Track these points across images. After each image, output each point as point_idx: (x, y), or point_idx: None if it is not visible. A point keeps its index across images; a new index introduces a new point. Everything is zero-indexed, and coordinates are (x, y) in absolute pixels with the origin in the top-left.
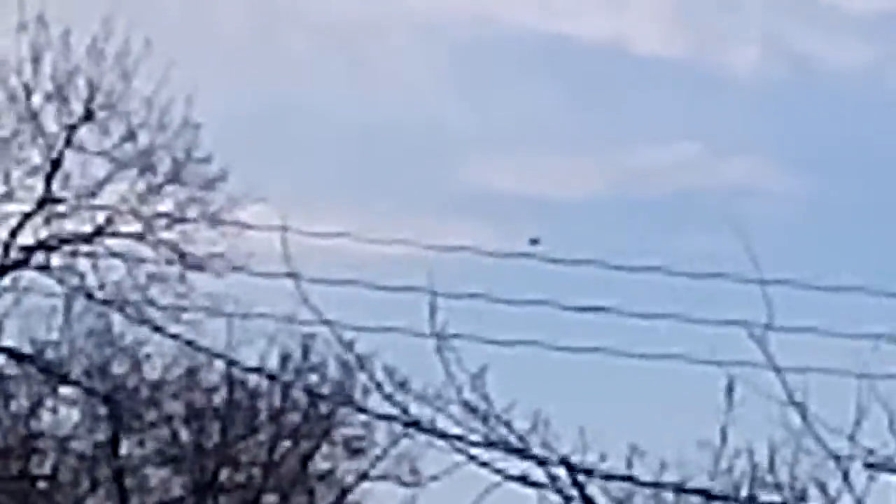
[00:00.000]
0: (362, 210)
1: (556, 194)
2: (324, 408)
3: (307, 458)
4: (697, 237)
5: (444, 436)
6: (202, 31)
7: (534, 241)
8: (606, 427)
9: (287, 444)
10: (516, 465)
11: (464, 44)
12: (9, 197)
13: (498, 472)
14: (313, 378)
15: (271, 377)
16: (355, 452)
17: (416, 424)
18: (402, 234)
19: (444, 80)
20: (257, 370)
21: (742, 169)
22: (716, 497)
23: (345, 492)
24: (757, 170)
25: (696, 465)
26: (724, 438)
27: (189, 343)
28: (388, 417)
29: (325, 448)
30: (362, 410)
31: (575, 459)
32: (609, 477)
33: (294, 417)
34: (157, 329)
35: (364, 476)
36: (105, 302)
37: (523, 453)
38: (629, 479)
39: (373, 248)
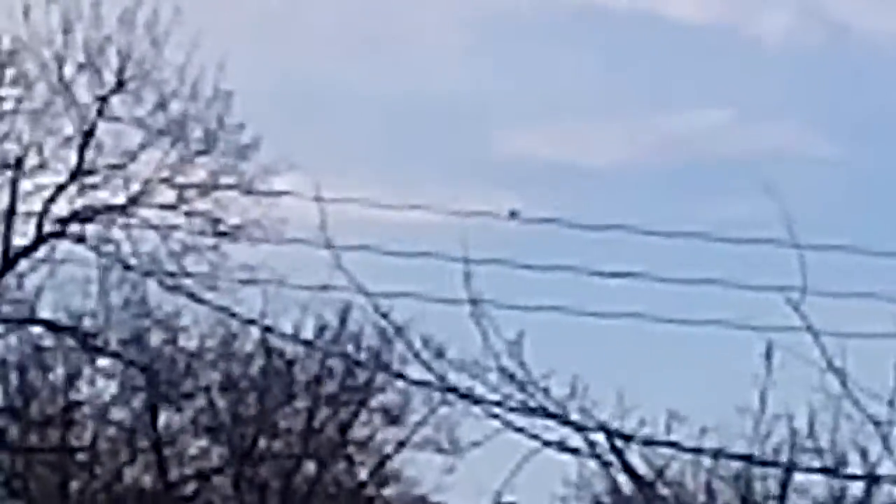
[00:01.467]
0: (395, 179)
1: (589, 161)
2: (361, 376)
3: (345, 426)
4: (731, 203)
5: (481, 402)
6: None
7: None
8: (645, 394)
9: (325, 412)
10: (555, 432)
11: (495, 12)
12: (42, 168)
13: (536, 438)
14: (350, 347)
15: (307, 343)
16: (393, 420)
17: (454, 391)
18: (434, 203)
19: (475, 49)
20: (293, 337)
21: (776, 135)
22: (756, 462)
23: (384, 460)
24: (791, 136)
25: (736, 430)
26: (763, 404)
27: (224, 310)
28: (426, 384)
29: (363, 416)
30: (401, 377)
31: (614, 426)
32: (648, 442)
33: (331, 386)
34: (193, 297)
35: (403, 444)
36: (142, 272)
37: (561, 419)
38: (669, 444)
39: (406, 216)
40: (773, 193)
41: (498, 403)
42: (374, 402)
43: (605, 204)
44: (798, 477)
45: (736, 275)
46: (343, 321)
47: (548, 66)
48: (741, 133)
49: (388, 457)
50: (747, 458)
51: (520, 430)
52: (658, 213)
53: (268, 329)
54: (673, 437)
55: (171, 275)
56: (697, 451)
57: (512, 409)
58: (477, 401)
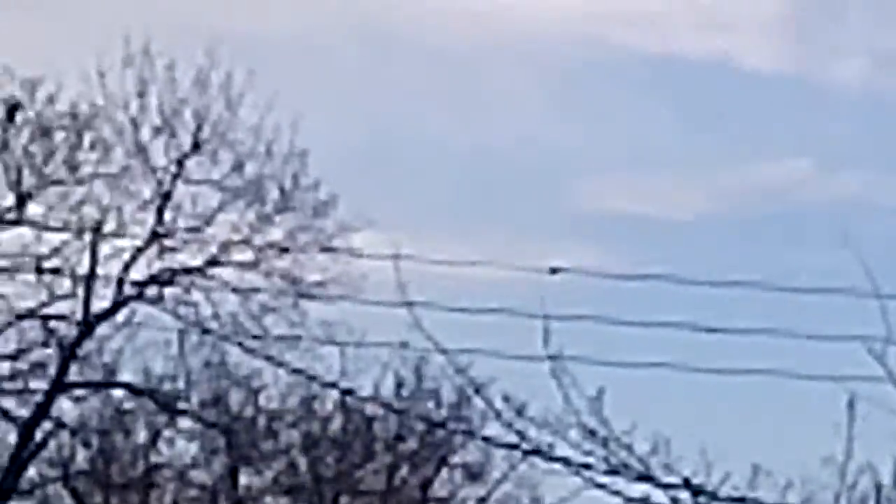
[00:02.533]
0: (474, 236)
1: (667, 214)
2: (441, 433)
3: (426, 484)
4: (810, 254)
5: (564, 462)
6: (307, 58)
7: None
8: (728, 447)
9: (405, 470)
10: (638, 489)
11: (573, 66)
12: (121, 231)
13: (619, 495)
14: (429, 404)
15: (386, 405)
16: (474, 478)
17: (537, 452)
18: (516, 259)
19: (554, 102)
20: (372, 399)
21: (854, 184)
22: None
23: None
24: (869, 185)
25: (820, 482)
26: (847, 455)
27: (303, 372)
28: (509, 446)
29: (443, 473)
30: (484, 439)
31: (697, 481)
32: (732, 499)
33: (411, 444)
34: (272, 360)
35: (483, 501)
36: (221, 336)
37: (644, 476)
38: (753, 501)
39: (484, 272)
40: (851, 243)
41: (583, 465)
42: (454, 459)
43: (684, 257)
44: None
45: (819, 326)
46: (420, 377)
47: (626, 120)
48: (819, 182)
49: None
50: None
51: (602, 486)
52: (735, 265)
53: (347, 392)
54: (757, 492)
55: (253, 337)
56: None
57: (593, 468)
58: (560, 461)
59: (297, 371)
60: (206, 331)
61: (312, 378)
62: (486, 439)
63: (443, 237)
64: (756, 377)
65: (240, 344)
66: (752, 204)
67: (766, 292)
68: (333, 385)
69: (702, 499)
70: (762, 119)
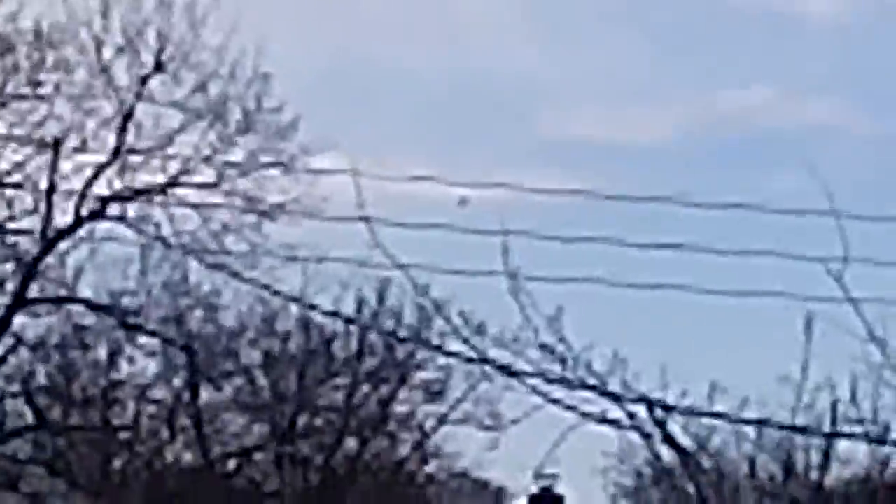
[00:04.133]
0: (438, 160)
1: (635, 140)
2: (401, 352)
3: (386, 402)
4: (776, 178)
5: (522, 375)
6: None
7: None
8: (687, 366)
9: (365, 388)
10: (595, 405)
11: None
12: (83, 149)
13: (576, 411)
14: (389, 323)
15: (349, 320)
16: (434, 396)
17: (493, 364)
18: (478, 181)
19: (524, 30)
20: (334, 314)
21: (821, 111)
22: (798, 430)
23: (424, 436)
24: (836, 111)
25: (778, 401)
26: (804, 374)
27: (266, 287)
28: (469, 359)
29: (403, 392)
30: (444, 352)
31: (655, 397)
32: (690, 412)
33: (371, 362)
34: (234, 274)
35: (443, 420)
36: (183, 249)
37: (602, 391)
38: (711, 414)
39: (445, 192)
40: (814, 169)
41: (538, 375)
42: (414, 379)
43: (652, 181)
44: (840, 446)
45: (778, 246)
46: (382, 297)
47: (596, 48)
48: (786, 109)
49: (429, 433)
50: (789, 427)
51: (560, 402)
52: (704, 188)
53: (311, 307)
54: (715, 408)
55: (212, 253)
56: (739, 420)
57: (551, 381)
58: (517, 374)
59: (259, 284)
60: (168, 245)
61: (276, 293)
62: (449, 353)
63: (406, 161)
64: (716, 297)
65: (201, 259)
66: (719, 130)
67: (727, 211)
68: (296, 300)
69: (659, 413)
70: (732, 47)
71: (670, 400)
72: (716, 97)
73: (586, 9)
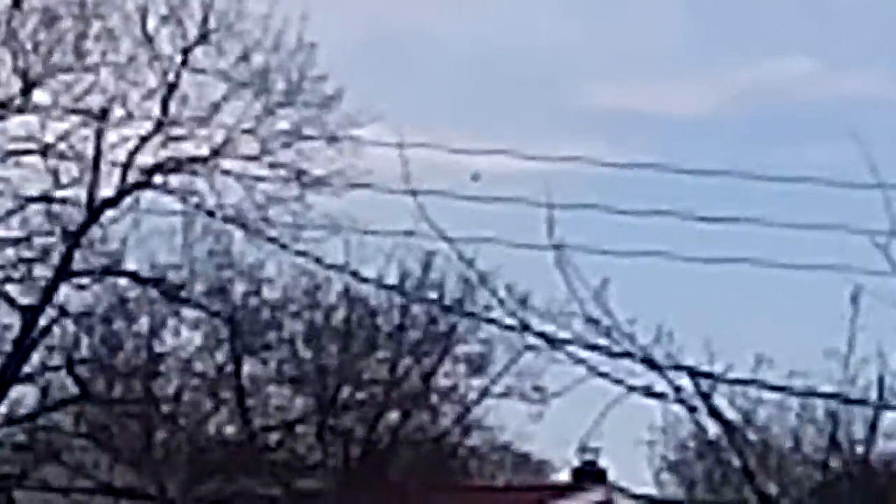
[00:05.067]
0: (480, 129)
1: (672, 111)
2: (444, 325)
3: (429, 375)
4: (816, 150)
5: (566, 345)
6: None
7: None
8: (732, 339)
9: (407, 361)
10: (640, 378)
11: None
12: (127, 120)
13: (621, 383)
14: (433, 294)
15: (392, 288)
16: (477, 369)
17: (539, 335)
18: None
19: (559, 2)
20: (378, 283)
21: (861, 82)
22: (845, 401)
23: (467, 408)
24: (877, 83)
25: (824, 374)
26: (851, 347)
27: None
28: (513, 328)
29: (446, 365)
30: (489, 321)
31: (700, 369)
32: (735, 381)
33: (414, 335)
34: (282, 245)
35: (485, 392)
36: (226, 220)
37: (647, 363)
38: (755, 382)
39: (490, 162)
40: (858, 139)
41: (584, 346)
42: (457, 351)
43: (691, 153)
44: (886, 419)
45: (823, 219)
46: (426, 269)
47: (631, 20)
48: (825, 80)
49: (471, 405)
50: (837, 397)
51: (605, 375)
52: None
53: (354, 274)
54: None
55: (255, 225)
56: (784, 389)
57: (596, 349)
58: (561, 343)
59: (302, 254)
60: (212, 214)
61: (318, 261)
62: (492, 321)
63: (448, 132)
64: (760, 269)
65: (245, 228)
66: (757, 101)
67: (770, 183)
68: (340, 268)
69: (704, 385)
70: (769, 18)
71: (716, 372)
72: (756, 69)
73: None
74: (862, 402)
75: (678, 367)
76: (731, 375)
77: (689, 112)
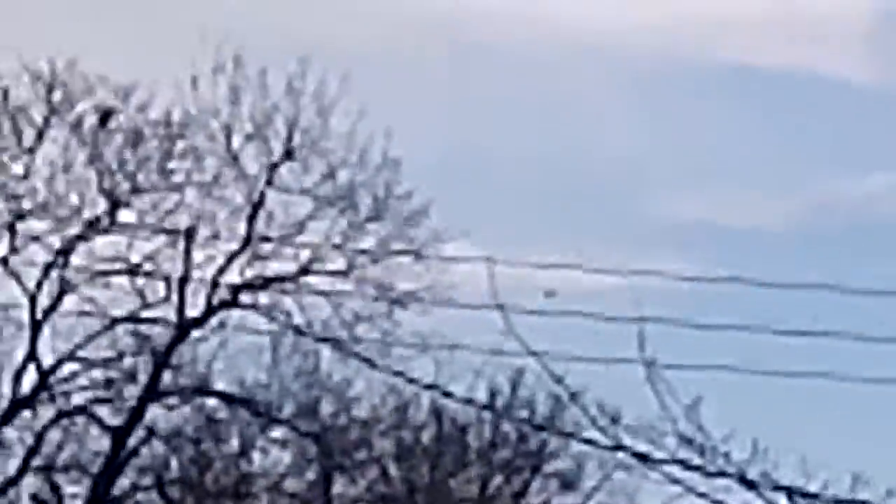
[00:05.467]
0: (562, 244)
1: (748, 225)
2: (534, 442)
3: (520, 493)
4: (891, 267)
5: (658, 461)
6: (399, 67)
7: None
8: (829, 456)
9: (499, 479)
10: (737, 496)
11: (648, 75)
12: (213, 239)
13: (719, 503)
14: (522, 412)
15: (483, 407)
16: (568, 486)
17: (634, 453)
18: (605, 266)
19: (631, 111)
20: (468, 401)
21: None
22: None
23: None
24: None
25: None
26: None
27: (400, 374)
28: (602, 445)
29: (537, 482)
30: (582, 440)
31: (796, 486)
32: (831, 500)
33: (505, 453)
34: (371, 363)
35: None
36: (315, 338)
37: (742, 480)
38: (852, 502)
39: (577, 278)
40: None
41: (676, 462)
42: (548, 468)
43: (764, 268)
44: None
45: None
46: (515, 387)
47: (702, 129)
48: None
49: None
50: None
51: (702, 495)
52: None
53: (445, 394)
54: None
55: (343, 343)
56: None
57: (689, 468)
58: (654, 462)
59: (395, 373)
60: (301, 332)
61: (412, 381)
62: (586, 441)
63: (532, 247)
64: (858, 384)
65: (333, 346)
66: (834, 217)
67: (853, 297)
68: (433, 387)
69: (801, 501)
70: (846, 131)
71: (812, 490)
72: (831, 183)
73: (698, 89)
74: None
75: (776, 488)
76: (828, 495)
77: (766, 225)
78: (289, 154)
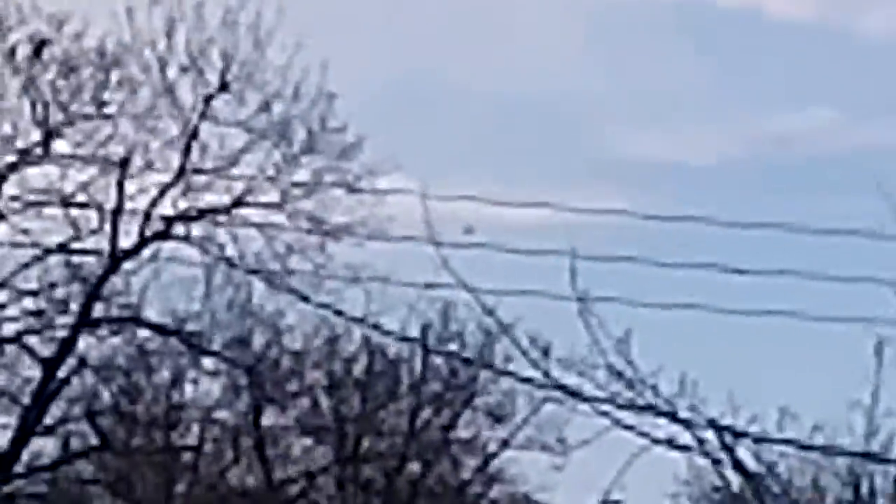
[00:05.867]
0: (502, 179)
1: (693, 160)
2: (465, 376)
3: (449, 425)
4: (832, 200)
5: (590, 399)
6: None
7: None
8: (756, 391)
9: (429, 411)
10: (664, 430)
11: (598, 11)
12: (147, 169)
13: (645, 436)
14: (454, 346)
15: (415, 340)
16: (498, 420)
17: (561, 387)
18: (540, 200)
19: (580, 48)
20: (399, 337)
21: (880, 133)
22: (867, 457)
23: (488, 459)
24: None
25: (848, 427)
26: (875, 399)
27: (329, 307)
28: (533, 381)
29: (467, 415)
30: (508, 374)
31: (724, 422)
32: (760, 439)
33: (435, 386)
34: (303, 296)
35: (506, 443)
36: (247, 270)
37: (671, 416)
38: (781, 441)
39: (511, 214)
40: (882, 189)
41: (607, 400)
42: (478, 402)
43: (709, 202)
44: None
45: (847, 270)
46: (446, 320)
47: (652, 66)
48: (844, 131)
49: (493, 456)
50: (861, 454)
51: (629, 427)
52: (763, 211)
53: (374, 325)
54: (784, 435)
55: (275, 275)
56: (809, 447)
57: (620, 407)
58: (585, 398)
59: (323, 306)
60: (233, 265)
61: (339, 313)
62: (509, 373)
63: (469, 181)
64: (784, 319)
65: (265, 278)
66: (776, 151)
67: (792, 234)
68: (360, 320)
69: (727, 438)
70: (788, 67)
71: (740, 424)
72: (772, 118)
73: (648, 26)
74: (886, 460)
75: (705, 424)
76: (755, 430)
77: (709, 160)
78: (224, 86)
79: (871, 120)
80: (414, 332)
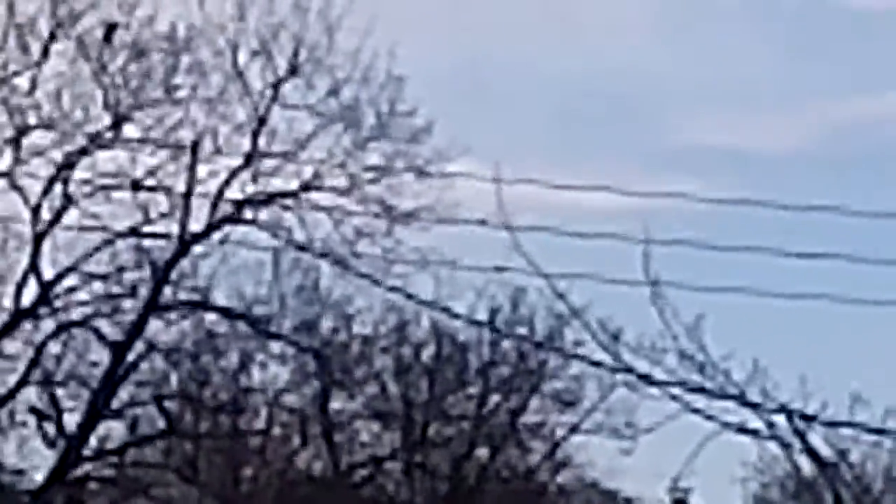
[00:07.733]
0: (569, 162)
1: (765, 147)
2: (533, 361)
3: (517, 411)
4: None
5: (660, 383)
6: None
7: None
8: (828, 376)
9: (496, 397)
10: (734, 414)
11: None
12: (216, 154)
13: (715, 420)
14: (523, 330)
15: (484, 324)
16: (566, 405)
17: (631, 371)
18: (612, 185)
19: (652, 32)
20: (469, 320)
21: None
22: None
23: (556, 445)
24: None
25: None
26: None
27: (399, 290)
28: (604, 365)
29: (535, 401)
30: (579, 357)
31: (795, 407)
32: (831, 423)
33: (503, 371)
34: (372, 280)
35: (575, 428)
36: (315, 254)
37: (741, 401)
38: (851, 424)
39: (582, 198)
40: None
41: (678, 384)
42: (546, 388)
43: (781, 190)
44: None
45: None
46: (516, 305)
47: (725, 52)
48: None
49: (561, 441)
50: None
51: (699, 412)
52: (833, 198)
53: (443, 309)
54: (856, 419)
55: (344, 260)
56: (881, 431)
57: (691, 390)
58: (656, 381)
59: (394, 289)
60: (302, 248)
61: (410, 296)
62: (579, 356)
63: (540, 165)
64: (858, 306)
65: (334, 262)
66: (852, 138)
67: (871, 221)
68: (430, 303)
69: (799, 423)
70: (863, 54)
71: (811, 410)
72: (848, 104)
73: (718, 12)
74: None
75: (773, 410)
76: (827, 416)
77: (783, 148)
78: (294, 70)
79: None
80: (482, 317)
